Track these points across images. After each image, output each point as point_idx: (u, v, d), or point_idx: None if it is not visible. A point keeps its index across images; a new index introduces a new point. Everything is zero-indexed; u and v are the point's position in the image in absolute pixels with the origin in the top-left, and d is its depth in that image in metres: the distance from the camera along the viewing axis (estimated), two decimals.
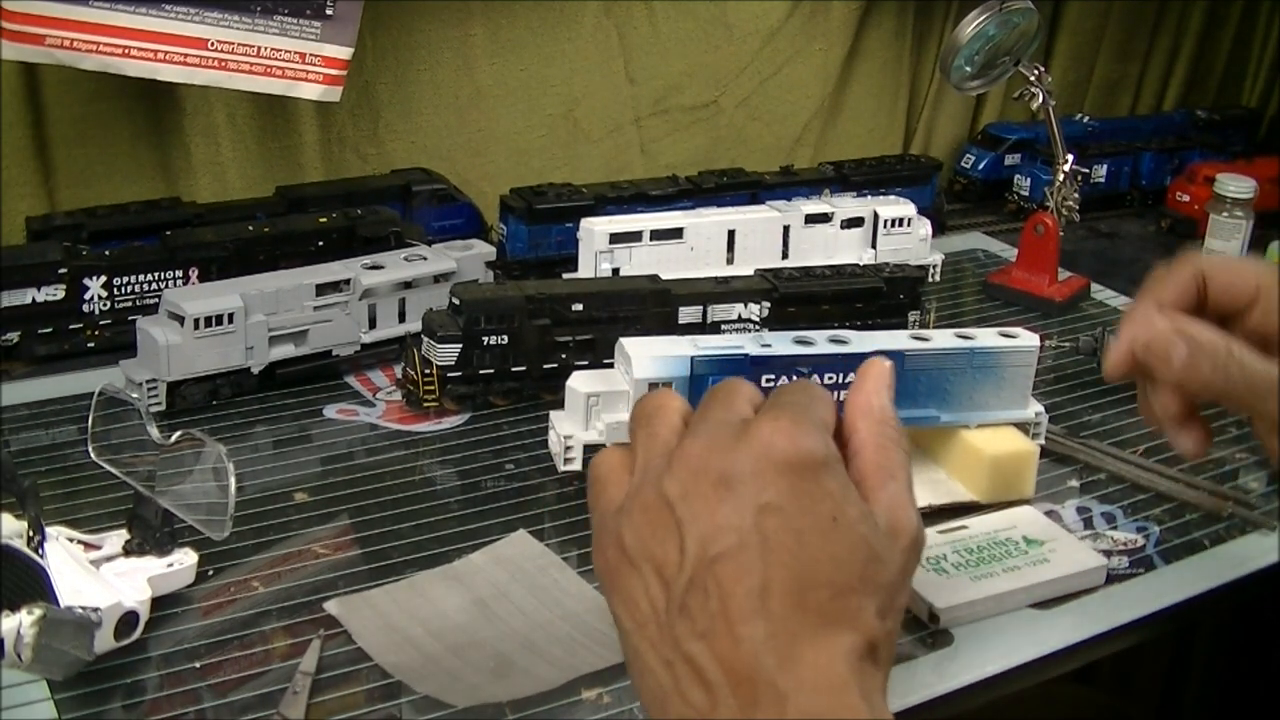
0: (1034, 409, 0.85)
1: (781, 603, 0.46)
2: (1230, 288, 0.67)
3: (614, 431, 0.77)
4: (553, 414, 0.83)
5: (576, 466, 0.79)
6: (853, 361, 0.77)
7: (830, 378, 0.77)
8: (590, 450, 0.81)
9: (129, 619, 0.63)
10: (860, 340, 0.80)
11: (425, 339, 0.92)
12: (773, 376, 0.74)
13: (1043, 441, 0.85)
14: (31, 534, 0.62)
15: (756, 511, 0.47)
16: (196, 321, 0.89)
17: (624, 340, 0.79)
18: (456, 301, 0.92)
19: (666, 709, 0.47)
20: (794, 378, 0.75)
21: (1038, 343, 0.84)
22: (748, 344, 0.77)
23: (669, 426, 0.53)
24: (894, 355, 0.78)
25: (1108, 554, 0.78)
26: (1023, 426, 0.84)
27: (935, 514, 0.81)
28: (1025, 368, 0.82)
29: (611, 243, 1.05)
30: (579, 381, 0.80)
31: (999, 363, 0.81)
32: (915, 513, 0.51)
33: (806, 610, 0.46)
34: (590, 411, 0.78)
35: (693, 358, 0.74)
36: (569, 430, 0.80)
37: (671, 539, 0.48)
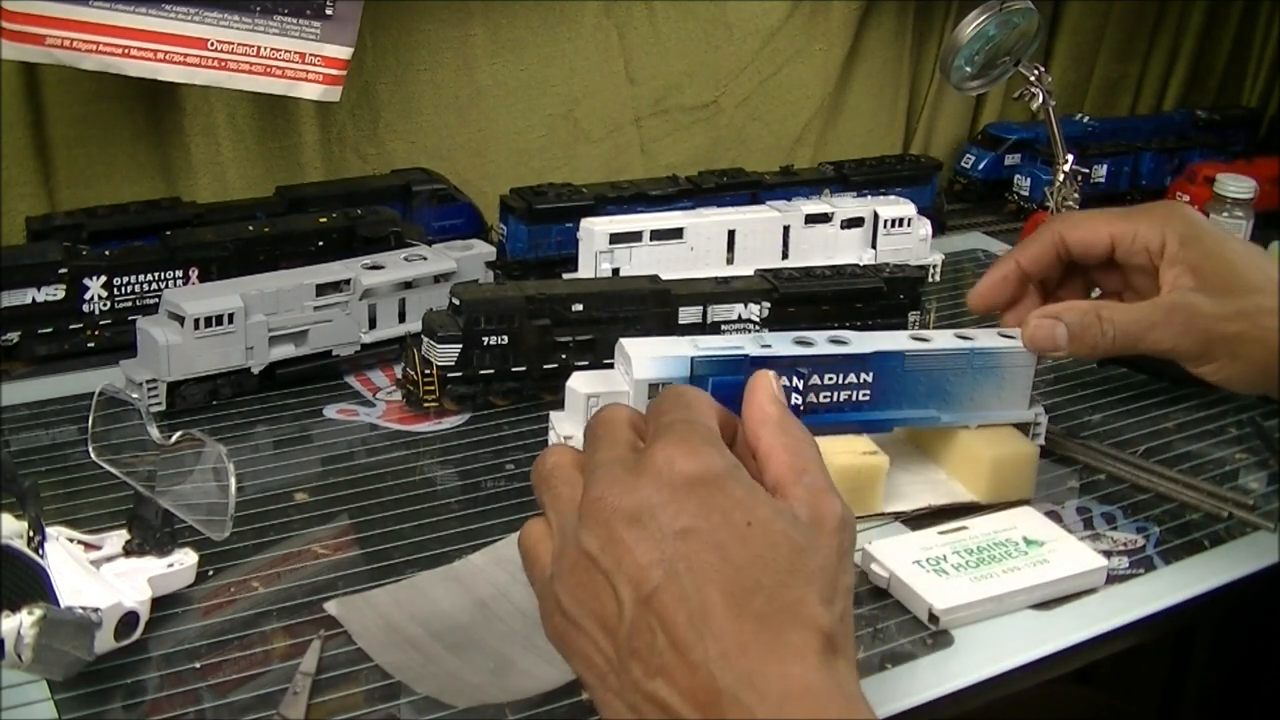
0: (1034, 410, 0.84)
1: (723, 618, 0.47)
2: (1086, 243, 0.78)
3: None
4: (553, 414, 0.83)
5: None
6: (853, 362, 0.77)
7: (830, 378, 0.77)
8: None
9: (129, 619, 0.63)
10: (860, 340, 0.80)
11: (425, 339, 0.92)
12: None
13: (1042, 442, 0.84)
14: (31, 534, 0.62)
15: (674, 538, 0.48)
16: (196, 321, 0.89)
17: (624, 341, 0.79)
18: (456, 301, 0.92)
19: None
20: (794, 379, 0.75)
21: None
22: (748, 345, 0.77)
23: (567, 482, 0.54)
24: (894, 355, 0.77)
25: (1108, 554, 0.78)
26: (1023, 427, 0.84)
27: (935, 514, 0.81)
28: (1025, 368, 0.82)
29: (611, 243, 1.05)
30: (579, 382, 0.80)
31: (999, 363, 0.81)
32: (836, 497, 0.52)
33: (748, 619, 0.47)
34: (590, 412, 0.78)
35: (693, 359, 0.74)
36: (569, 431, 0.79)
37: (604, 591, 0.49)
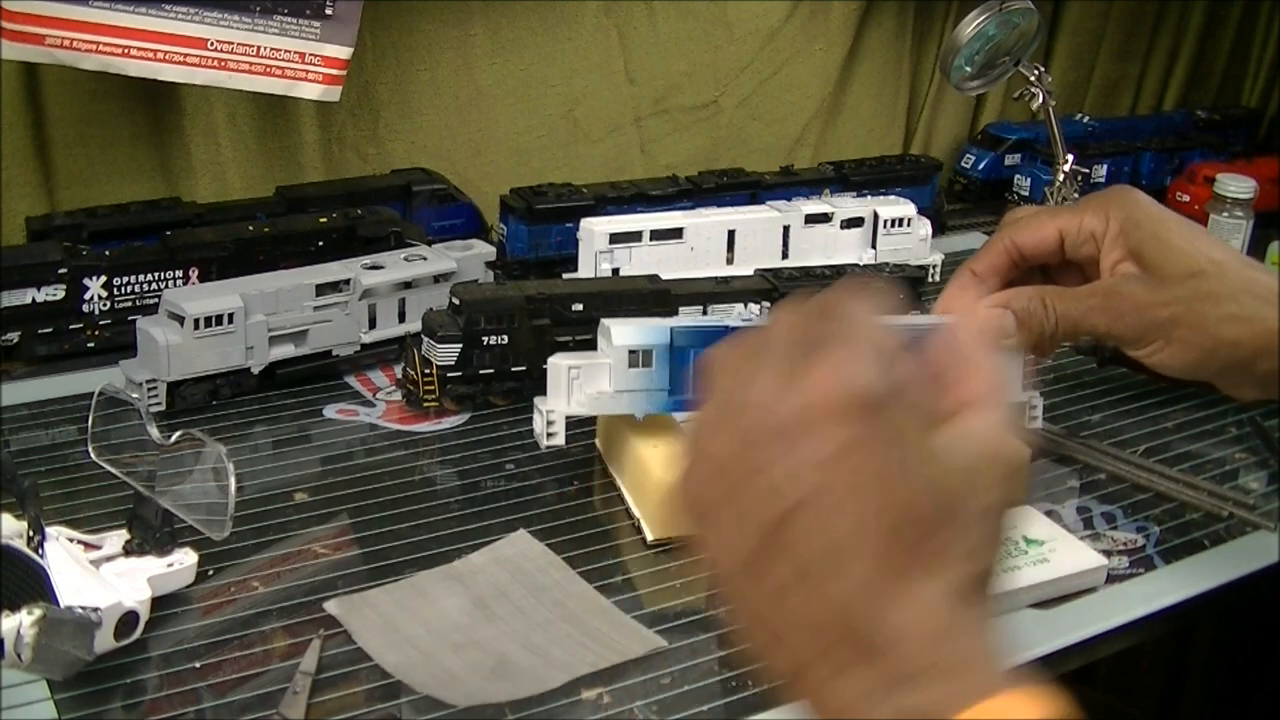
0: (1028, 394, 0.83)
1: (851, 562, 0.44)
2: (1036, 242, 0.78)
3: (595, 401, 0.77)
4: (536, 399, 0.83)
5: (559, 441, 0.79)
6: None
7: None
8: (572, 422, 0.81)
9: (129, 619, 0.63)
10: None
11: (425, 339, 0.92)
12: None
13: (1040, 426, 0.84)
14: (31, 534, 0.62)
15: (815, 468, 0.44)
16: (196, 321, 0.89)
17: (605, 319, 0.79)
18: (456, 301, 0.92)
19: (769, 671, 0.46)
20: None
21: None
22: (730, 319, 0.77)
23: (727, 371, 0.49)
24: None
25: (1108, 554, 0.78)
26: (1017, 406, 0.82)
27: None
28: (1014, 352, 0.81)
29: (611, 243, 1.06)
30: (560, 358, 0.80)
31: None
32: (1012, 439, 0.48)
33: (878, 565, 0.44)
34: (571, 384, 0.78)
35: (673, 329, 0.74)
36: (552, 406, 0.79)
37: (735, 507, 0.46)
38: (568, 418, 0.78)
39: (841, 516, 0.44)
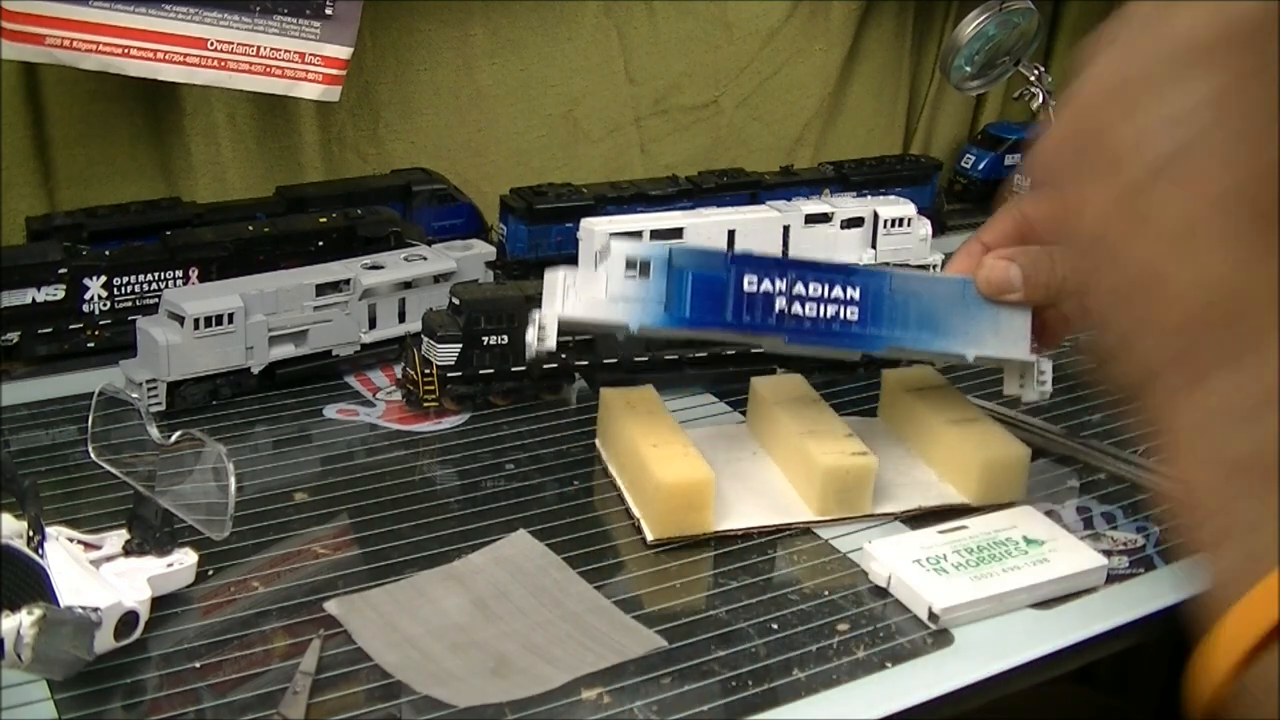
0: (1035, 357, 0.79)
1: (1220, 241, 0.36)
2: (1049, 215, 0.71)
3: (590, 305, 0.73)
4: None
5: (550, 345, 0.74)
6: (838, 274, 0.73)
7: (815, 288, 0.73)
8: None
9: (129, 619, 0.63)
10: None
11: (425, 339, 0.92)
12: (755, 277, 0.72)
13: (1049, 391, 0.80)
14: (31, 534, 0.62)
15: (1181, 121, 0.37)
16: (196, 321, 0.89)
17: (586, 221, 0.78)
18: (456, 301, 0.92)
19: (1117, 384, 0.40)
20: (777, 281, 0.72)
21: None
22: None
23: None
24: (880, 274, 0.75)
25: (1108, 554, 0.78)
26: (1026, 366, 0.79)
27: (927, 516, 0.81)
28: (1021, 312, 0.78)
29: None
30: (556, 269, 0.76)
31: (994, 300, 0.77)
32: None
33: (1251, 241, 0.36)
34: (566, 291, 0.74)
35: (672, 248, 0.73)
36: (545, 311, 0.75)
37: (1088, 174, 0.41)
38: (562, 321, 0.73)
39: (1207, 182, 0.37)
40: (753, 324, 0.71)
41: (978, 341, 0.76)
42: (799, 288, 0.72)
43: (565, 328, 0.73)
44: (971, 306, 0.77)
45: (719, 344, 0.96)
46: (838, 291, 0.73)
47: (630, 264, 0.72)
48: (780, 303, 0.72)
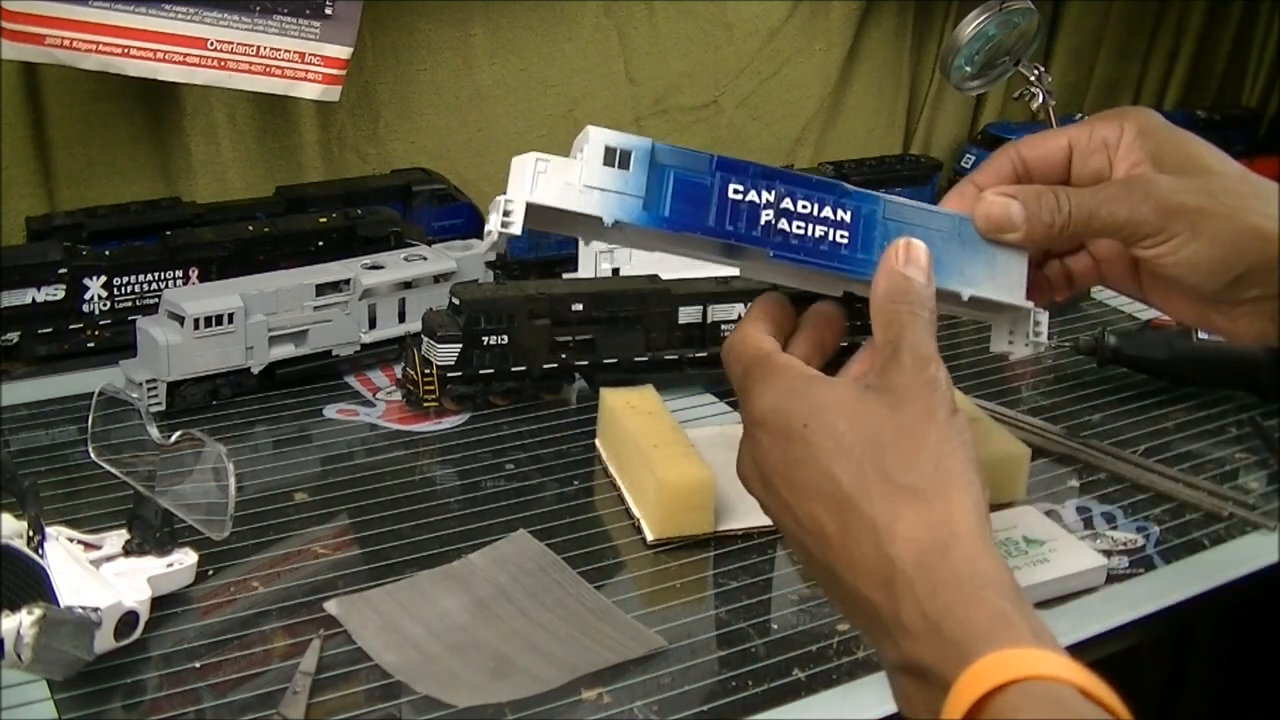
0: (1032, 304, 0.73)
1: (822, 530, 0.56)
2: (1044, 155, 0.71)
3: (562, 193, 0.66)
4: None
5: (516, 230, 0.64)
6: (828, 192, 0.68)
7: (804, 206, 0.68)
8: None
9: (129, 619, 0.63)
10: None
11: (425, 339, 0.92)
12: (740, 186, 0.66)
13: (1045, 341, 0.74)
14: (31, 534, 0.62)
15: (764, 483, 0.59)
16: (196, 321, 0.89)
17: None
18: (456, 301, 0.92)
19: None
20: (763, 192, 0.67)
21: None
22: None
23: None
24: (873, 198, 0.70)
25: (1108, 554, 0.78)
26: (1018, 317, 0.73)
27: None
28: (1018, 255, 0.72)
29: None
30: (522, 156, 0.67)
31: (990, 240, 0.72)
32: (922, 355, 0.57)
33: (838, 516, 0.55)
34: (536, 176, 0.66)
35: (654, 144, 0.67)
36: (511, 195, 0.66)
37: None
38: (530, 206, 0.65)
39: (799, 499, 0.57)
40: (736, 233, 0.66)
41: (973, 282, 0.71)
42: (787, 202, 0.68)
43: (534, 217, 0.66)
44: (967, 245, 0.72)
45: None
46: (828, 212, 0.68)
47: (610, 153, 0.66)
48: (767, 215, 0.67)
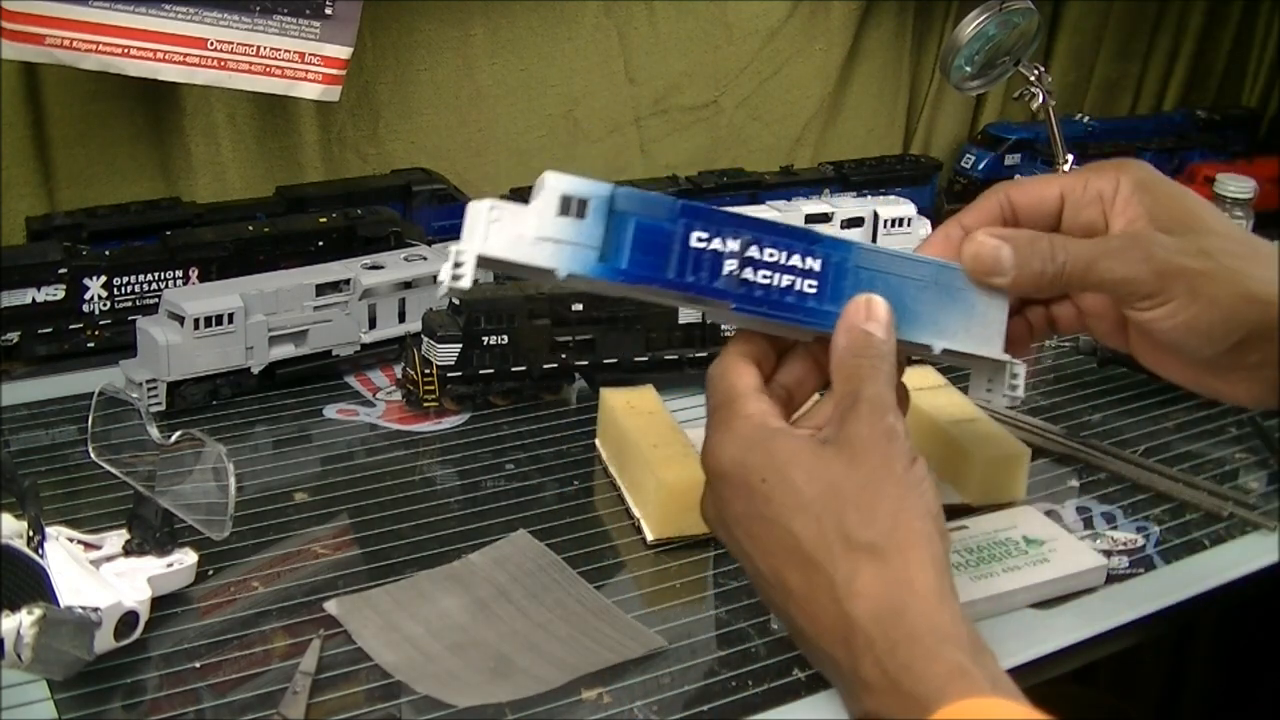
0: (1009, 357, 0.71)
1: (784, 582, 0.58)
2: (1034, 201, 0.68)
3: (514, 245, 0.62)
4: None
5: (466, 284, 0.62)
6: (797, 239, 0.65)
7: (771, 254, 0.65)
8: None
9: (129, 619, 0.63)
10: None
11: (425, 339, 0.92)
12: (705, 234, 0.63)
13: (1020, 395, 0.72)
14: (31, 534, 0.62)
15: (727, 528, 0.61)
16: (196, 321, 0.89)
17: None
18: (456, 301, 0.92)
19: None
20: (727, 241, 0.63)
21: None
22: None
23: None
24: (844, 245, 0.67)
25: (1108, 554, 0.78)
26: (996, 367, 0.70)
27: None
28: (998, 301, 0.69)
29: None
30: (484, 200, 0.64)
31: (967, 288, 0.68)
32: (880, 406, 0.59)
33: (800, 570, 0.57)
34: (489, 226, 0.62)
35: (615, 191, 0.62)
36: (463, 246, 0.62)
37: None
38: (481, 259, 0.62)
39: (758, 553, 0.60)
40: (698, 285, 0.62)
41: (947, 333, 0.68)
42: (753, 251, 0.64)
43: (487, 268, 0.63)
44: (944, 293, 0.68)
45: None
46: (796, 260, 0.65)
47: (565, 202, 0.62)
48: (731, 264, 0.64)
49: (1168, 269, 0.63)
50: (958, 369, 0.73)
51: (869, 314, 0.63)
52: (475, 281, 0.60)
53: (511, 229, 0.62)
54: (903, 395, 0.64)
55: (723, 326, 0.97)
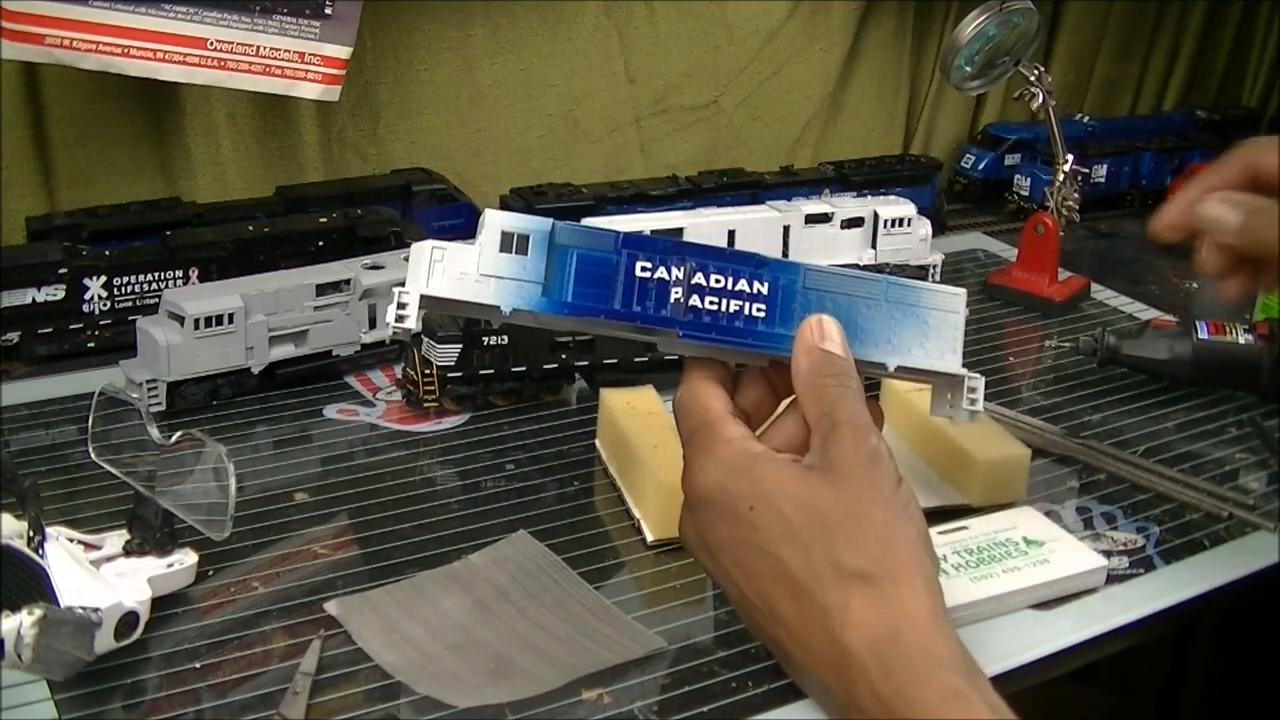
0: (966, 371, 0.70)
1: (773, 610, 0.58)
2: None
3: (457, 284, 0.63)
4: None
5: (411, 324, 0.63)
6: (743, 264, 0.65)
7: (718, 280, 0.65)
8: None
9: (129, 619, 0.63)
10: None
11: (425, 339, 0.92)
12: (649, 264, 0.63)
13: (979, 409, 0.70)
14: (31, 534, 0.62)
15: (711, 552, 0.62)
16: (196, 321, 0.89)
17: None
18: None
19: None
20: (672, 270, 0.64)
21: (962, 292, 0.70)
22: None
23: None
24: (791, 267, 0.66)
25: (1108, 554, 0.78)
26: (953, 382, 0.70)
27: (928, 516, 0.81)
28: (952, 315, 0.69)
29: None
30: (428, 242, 0.65)
31: (919, 303, 0.68)
32: (859, 428, 0.59)
33: (790, 598, 0.57)
34: (433, 266, 0.64)
35: (555, 224, 0.64)
36: (408, 287, 0.63)
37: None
38: (425, 299, 0.63)
39: (744, 580, 0.60)
40: (644, 315, 0.63)
41: (901, 350, 0.68)
42: (699, 278, 0.64)
43: (432, 308, 0.64)
44: (895, 310, 0.68)
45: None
46: (743, 285, 0.65)
47: (506, 238, 0.63)
48: (676, 293, 0.64)
49: None
50: None
51: (822, 334, 0.63)
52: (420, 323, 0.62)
53: (455, 268, 0.63)
54: (877, 414, 0.64)
55: None
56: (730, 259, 0.65)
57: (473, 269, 0.63)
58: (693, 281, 0.64)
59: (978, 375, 0.69)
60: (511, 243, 0.63)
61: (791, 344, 0.64)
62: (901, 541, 0.57)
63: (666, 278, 0.63)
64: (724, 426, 0.62)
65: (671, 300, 0.63)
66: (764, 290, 0.65)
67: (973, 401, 0.69)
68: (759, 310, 0.65)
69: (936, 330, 0.68)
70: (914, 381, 0.70)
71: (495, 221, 0.63)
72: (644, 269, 0.63)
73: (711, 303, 0.64)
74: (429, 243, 0.63)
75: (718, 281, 0.65)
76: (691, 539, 0.63)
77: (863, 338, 0.67)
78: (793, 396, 0.64)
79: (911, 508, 0.59)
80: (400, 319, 0.62)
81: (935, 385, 0.70)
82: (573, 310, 0.62)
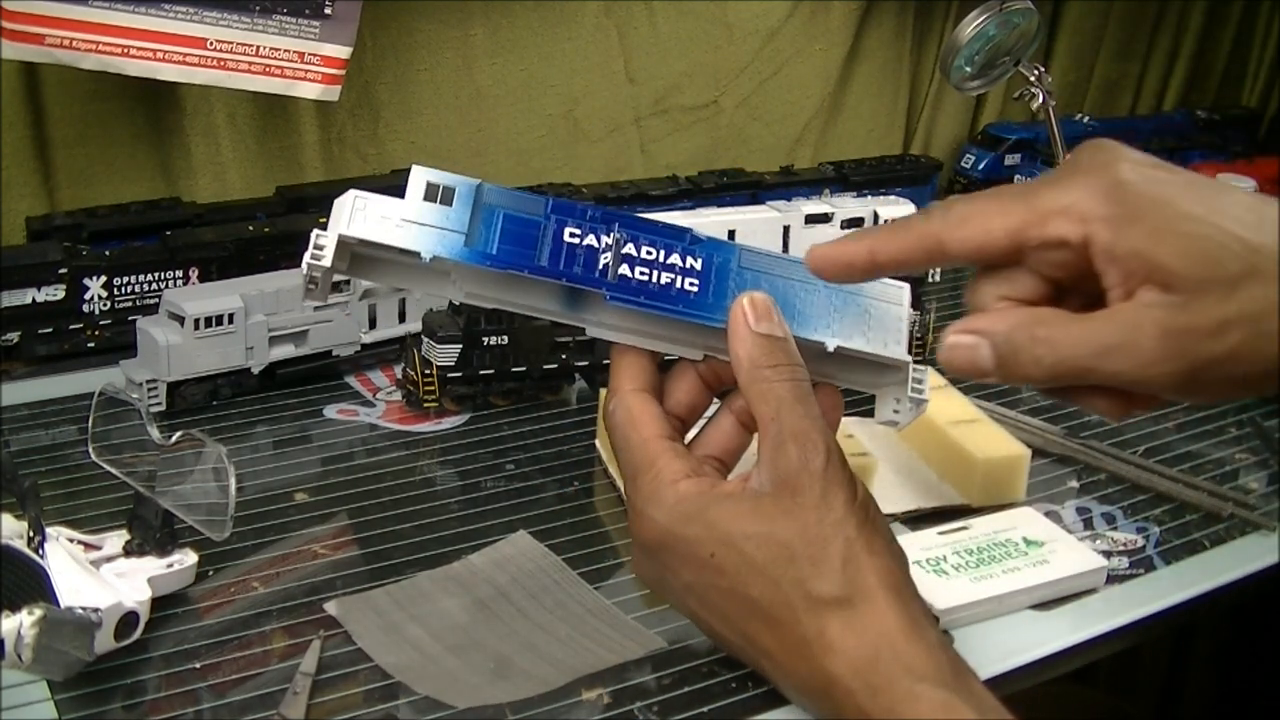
0: (910, 359, 0.67)
1: (748, 637, 0.59)
2: (974, 248, 0.55)
3: (378, 226, 0.62)
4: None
5: (326, 263, 0.61)
6: (675, 237, 0.64)
7: (649, 252, 0.63)
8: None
9: (129, 619, 0.63)
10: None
11: (425, 339, 0.92)
12: (577, 231, 0.62)
13: (926, 398, 0.66)
14: (31, 534, 0.62)
15: (680, 593, 0.62)
16: (196, 321, 0.89)
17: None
18: (456, 302, 0.92)
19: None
20: (600, 237, 0.63)
21: (906, 286, 0.67)
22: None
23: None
24: (726, 247, 0.65)
25: (1108, 554, 0.78)
26: (896, 370, 0.66)
27: (930, 515, 0.81)
28: (895, 307, 0.66)
29: None
30: (344, 195, 0.63)
31: (860, 290, 0.65)
32: (808, 440, 0.58)
33: (765, 630, 0.58)
34: (354, 212, 0.62)
35: (481, 184, 0.63)
36: (328, 230, 0.62)
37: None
38: (344, 239, 0.61)
39: (713, 617, 0.61)
40: (569, 274, 0.62)
41: (842, 335, 0.65)
42: (629, 248, 0.63)
43: (355, 262, 0.63)
44: (834, 295, 0.65)
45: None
46: (675, 259, 0.64)
47: (431, 189, 0.62)
48: (605, 258, 0.63)
49: (1193, 361, 0.50)
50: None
51: (755, 314, 0.60)
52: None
53: (376, 212, 0.62)
54: (831, 403, 0.61)
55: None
56: (661, 232, 0.64)
57: (394, 214, 0.62)
58: (623, 251, 0.63)
59: (924, 365, 0.67)
60: (437, 194, 0.62)
61: (725, 316, 0.62)
62: (865, 556, 0.56)
63: (596, 245, 0.63)
64: (666, 465, 0.60)
65: (600, 266, 0.63)
66: (697, 266, 0.64)
67: (918, 391, 0.66)
68: (691, 285, 0.64)
69: (879, 320, 0.66)
70: (856, 382, 0.67)
71: (420, 174, 0.63)
72: (573, 234, 0.63)
73: (641, 273, 0.63)
74: (352, 192, 0.62)
75: (649, 254, 0.64)
76: (651, 582, 0.63)
77: (800, 320, 0.64)
78: (725, 391, 0.64)
79: (871, 512, 0.58)
80: (316, 258, 0.61)
81: (880, 391, 0.68)
82: (496, 262, 0.61)
